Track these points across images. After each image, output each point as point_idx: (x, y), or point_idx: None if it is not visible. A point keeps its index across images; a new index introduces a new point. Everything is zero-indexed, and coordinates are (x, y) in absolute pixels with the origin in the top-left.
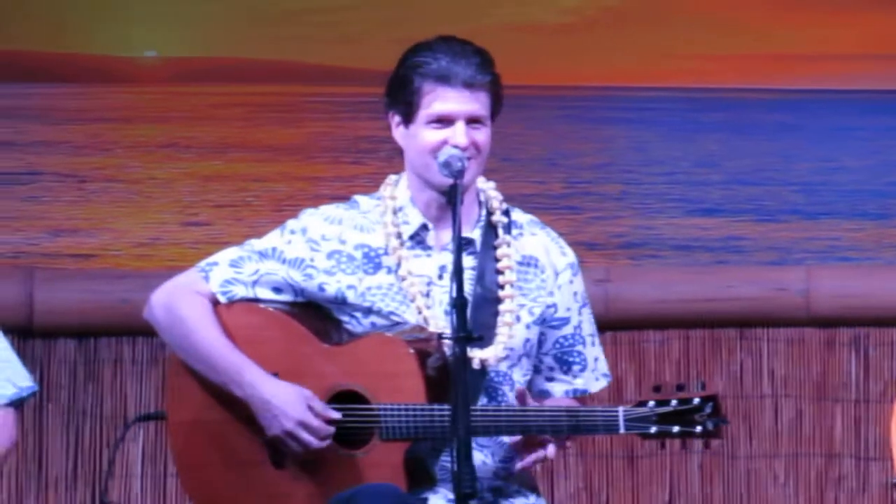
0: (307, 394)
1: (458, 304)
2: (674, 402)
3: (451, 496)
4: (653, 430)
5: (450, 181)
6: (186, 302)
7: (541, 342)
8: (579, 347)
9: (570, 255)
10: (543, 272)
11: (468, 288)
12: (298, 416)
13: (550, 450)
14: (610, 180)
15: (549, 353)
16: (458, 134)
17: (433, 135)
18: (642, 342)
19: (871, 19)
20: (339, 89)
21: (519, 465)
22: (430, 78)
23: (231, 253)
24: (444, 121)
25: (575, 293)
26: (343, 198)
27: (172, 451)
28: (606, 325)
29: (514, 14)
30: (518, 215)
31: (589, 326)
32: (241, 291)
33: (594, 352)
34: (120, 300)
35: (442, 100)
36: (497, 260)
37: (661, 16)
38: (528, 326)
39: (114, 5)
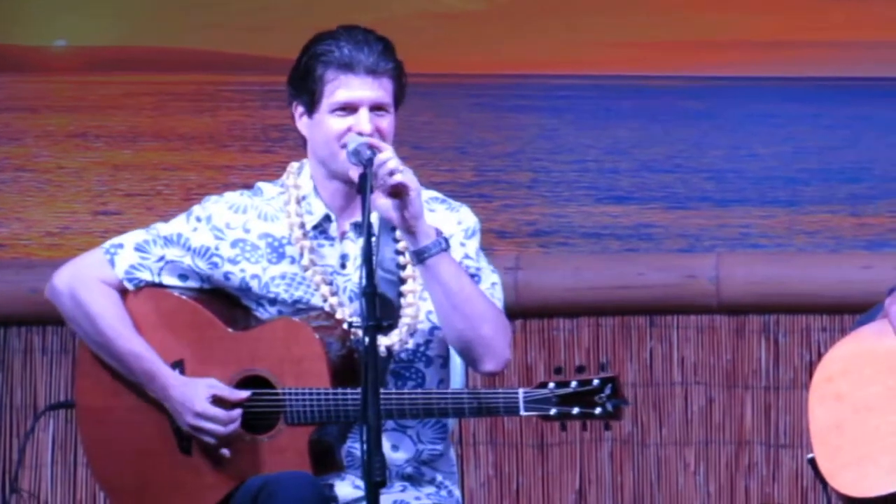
0: (210, 381)
1: (368, 292)
2: (574, 384)
3: (359, 482)
4: (553, 411)
5: (357, 169)
6: (94, 296)
7: None
8: None
9: (466, 221)
10: None
11: None
12: (197, 408)
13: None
14: (520, 168)
15: None
16: (363, 121)
17: (338, 122)
18: (552, 330)
19: (782, 6)
20: (248, 78)
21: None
22: (334, 66)
23: (137, 236)
24: (348, 108)
25: (466, 255)
26: (251, 187)
27: (81, 438)
28: (517, 312)
29: (423, 1)
30: None
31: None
32: (146, 277)
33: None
34: (30, 290)
35: (345, 87)
36: (397, 241)
37: (571, 3)
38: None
39: None
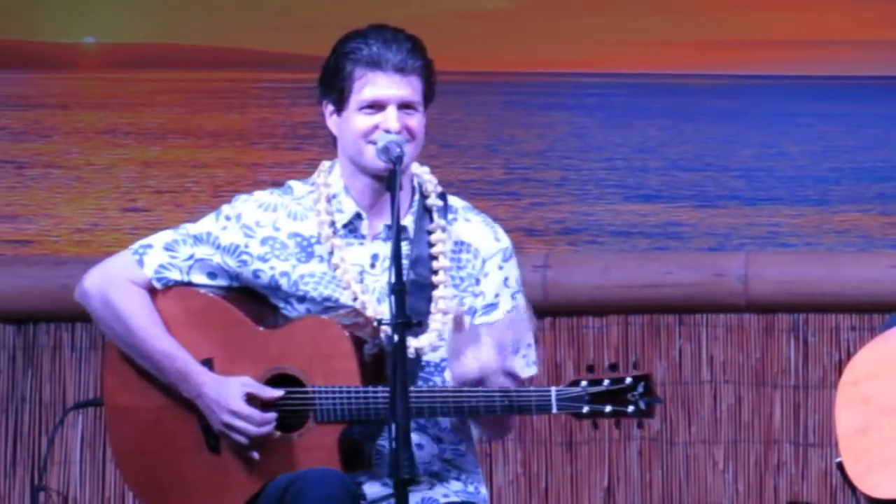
0: (243, 380)
1: (397, 289)
2: (606, 382)
3: (388, 480)
4: (585, 409)
5: (387, 166)
6: (124, 296)
7: None
8: None
9: (504, 241)
10: (476, 257)
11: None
12: (232, 406)
13: None
14: (549, 166)
15: None
16: (390, 118)
17: (365, 120)
18: (581, 328)
19: (813, 5)
20: (278, 75)
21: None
22: (362, 63)
23: (165, 236)
24: (376, 106)
25: (506, 279)
26: (282, 185)
27: (109, 437)
28: (545, 310)
29: (454, 0)
30: (453, 200)
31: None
32: (175, 276)
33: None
34: (59, 286)
35: (373, 85)
36: (431, 245)
37: (601, 2)
38: None
39: None
